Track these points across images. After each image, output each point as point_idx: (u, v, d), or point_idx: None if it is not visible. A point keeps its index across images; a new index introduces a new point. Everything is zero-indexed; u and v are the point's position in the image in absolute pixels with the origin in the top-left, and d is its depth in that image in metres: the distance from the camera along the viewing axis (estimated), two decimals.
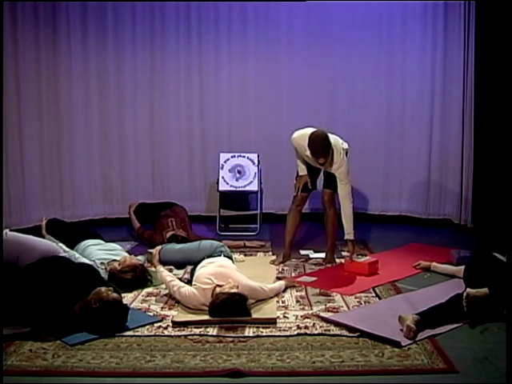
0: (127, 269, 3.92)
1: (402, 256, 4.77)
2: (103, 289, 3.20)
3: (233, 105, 6.24)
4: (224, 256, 3.88)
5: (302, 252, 4.96)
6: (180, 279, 3.78)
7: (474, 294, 3.25)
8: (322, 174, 4.65)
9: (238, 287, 3.38)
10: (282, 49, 6.15)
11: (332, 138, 4.31)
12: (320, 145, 4.19)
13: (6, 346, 2.95)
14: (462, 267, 3.80)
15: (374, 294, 3.82)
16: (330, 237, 4.66)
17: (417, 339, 2.99)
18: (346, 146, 4.46)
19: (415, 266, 4.38)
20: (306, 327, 3.21)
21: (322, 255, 4.74)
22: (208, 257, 3.85)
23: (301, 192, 4.57)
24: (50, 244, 3.89)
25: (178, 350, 2.94)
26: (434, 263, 4.32)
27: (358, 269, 4.28)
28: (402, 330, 3.05)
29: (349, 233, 4.36)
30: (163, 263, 3.96)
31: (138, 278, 3.95)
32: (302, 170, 4.57)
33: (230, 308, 3.28)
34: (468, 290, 3.31)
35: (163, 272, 3.80)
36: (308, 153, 4.28)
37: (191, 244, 4.17)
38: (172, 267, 4.29)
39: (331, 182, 4.46)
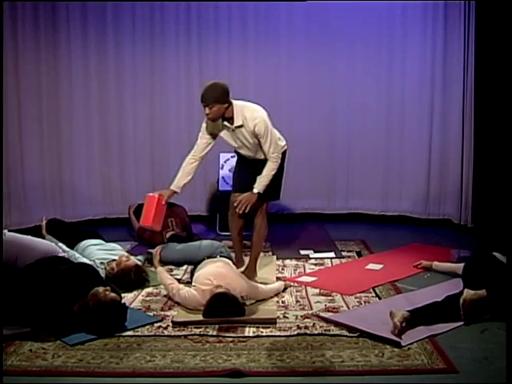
0: (121, 272, 3.92)
1: (402, 256, 4.76)
2: (101, 289, 3.18)
3: None
4: (224, 257, 3.88)
5: (302, 252, 4.96)
6: (179, 280, 3.77)
7: (471, 298, 3.21)
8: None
9: (221, 286, 3.35)
10: (282, 49, 6.14)
11: (253, 107, 4.07)
12: (206, 89, 3.87)
13: (6, 346, 2.95)
14: (463, 264, 3.81)
15: (373, 294, 3.82)
16: (254, 248, 4.17)
17: (416, 339, 2.99)
18: (283, 142, 4.12)
19: (416, 266, 4.37)
20: (306, 327, 3.21)
21: (322, 255, 4.74)
22: (208, 257, 3.84)
23: (233, 192, 4.23)
24: (48, 244, 3.89)
25: (178, 350, 2.94)
26: (436, 262, 4.32)
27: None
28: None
29: (256, 187, 3.90)
30: (164, 263, 3.96)
31: (134, 280, 3.94)
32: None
33: (220, 308, 3.26)
34: (465, 293, 3.25)
35: (163, 273, 3.78)
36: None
37: (192, 244, 4.17)
38: (172, 267, 4.29)
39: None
